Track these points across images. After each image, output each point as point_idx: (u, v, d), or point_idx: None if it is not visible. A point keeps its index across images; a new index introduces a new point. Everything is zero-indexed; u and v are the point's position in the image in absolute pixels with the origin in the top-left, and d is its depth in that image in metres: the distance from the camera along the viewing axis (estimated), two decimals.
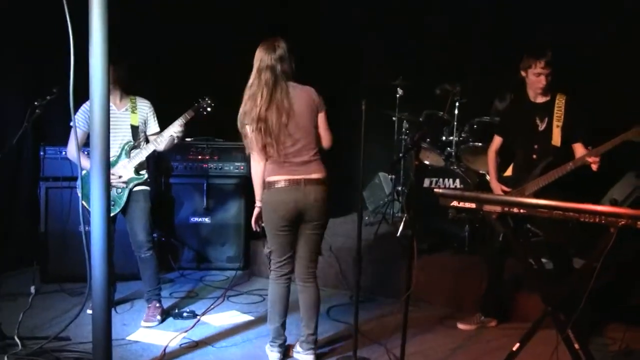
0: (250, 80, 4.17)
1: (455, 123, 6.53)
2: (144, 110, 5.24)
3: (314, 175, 4.17)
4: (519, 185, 4.80)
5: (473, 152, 6.43)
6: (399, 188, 7.28)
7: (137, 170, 5.13)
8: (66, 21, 2.76)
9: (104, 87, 2.77)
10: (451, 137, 6.55)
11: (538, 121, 4.80)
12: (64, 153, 5.95)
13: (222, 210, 6.66)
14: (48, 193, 6.04)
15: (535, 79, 4.70)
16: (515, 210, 3.74)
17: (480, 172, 6.41)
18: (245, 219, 6.53)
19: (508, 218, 3.91)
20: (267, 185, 4.22)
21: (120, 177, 5.06)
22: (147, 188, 5.22)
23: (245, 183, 6.55)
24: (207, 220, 6.65)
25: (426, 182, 6.45)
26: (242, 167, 6.57)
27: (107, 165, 2.81)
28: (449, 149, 6.58)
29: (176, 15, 6.96)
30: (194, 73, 6.92)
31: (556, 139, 4.75)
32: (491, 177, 5.12)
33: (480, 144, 6.29)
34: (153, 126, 5.27)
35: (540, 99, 4.81)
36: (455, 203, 3.95)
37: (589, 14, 6.23)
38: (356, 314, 4.46)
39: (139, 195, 5.15)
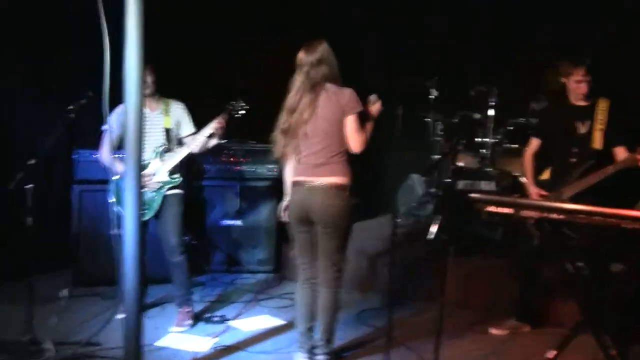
0: (292, 83, 4.22)
1: (490, 125, 6.41)
2: (177, 112, 5.22)
3: (325, 179, 4.12)
4: (557, 189, 4.70)
5: (508, 154, 6.32)
6: (432, 190, 7.18)
7: (171, 173, 5.11)
8: (101, 22, 2.69)
9: (138, 90, 2.69)
10: (486, 139, 6.43)
11: (579, 124, 4.71)
12: (97, 156, 5.98)
13: (254, 212, 6.63)
14: (81, 196, 6.06)
15: (576, 86, 4.66)
16: (554, 215, 3.64)
17: (515, 174, 6.30)
18: (277, 222, 6.50)
19: (545, 222, 3.82)
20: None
21: (153, 175, 5.02)
22: (181, 192, 5.18)
23: (277, 185, 6.46)
24: (238, 222, 6.61)
25: (460, 184, 6.36)
26: (274, 170, 6.51)
27: (140, 169, 2.76)
28: (483, 150, 6.46)
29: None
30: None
31: (597, 142, 4.66)
32: (528, 180, 5.01)
33: (515, 145, 6.19)
34: (187, 127, 5.24)
35: (582, 102, 4.72)
36: (492, 208, 3.86)
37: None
38: (390, 318, 4.36)
39: (173, 199, 5.11)
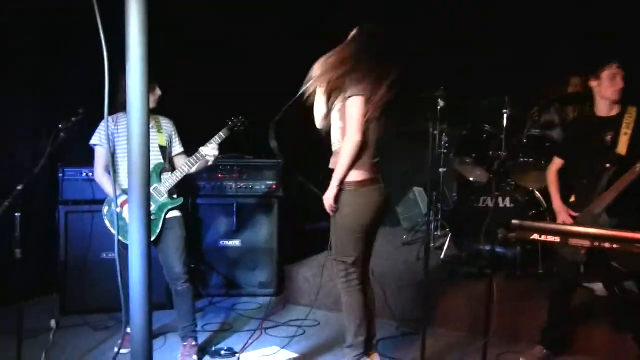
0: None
1: (502, 137, 6.07)
2: (169, 129, 4.84)
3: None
4: (586, 207, 4.35)
5: (522, 169, 5.99)
6: (439, 205, 6.85)
7: (171, 194, 4.70)
8: (99, 29, 2.31)
9: (143, 105, 2.32)
10: (499, 152, 6.08)
11: (608, 137, 4.36)
12: (84, 174, 5.56)
13: (253, 232, 6.18)
14: (68, 218, 5.59)
15: (610, 82, 4.27)
16: (607, 245, 3.31)
17: (530, 189, 5.99)
18: (279, 242, 6.10)
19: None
20: (358, 185, 3.95)
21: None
22: (181, 214, 4.77)
23: (277, 203, 6.12)
24: (237, 243, 6.16)
25: (474, 202, 6.02)
26: (274, 186, 6.11)
27: (147, 183, 2.37)
28: (496, 164, 6.12)
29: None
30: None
31: (622, 147, 4.28)
32: (555, 201, 4.60)
33: (530, 159, 5.85)
34: (177, 146, 4.89)
35: (612, 112, 4.37)
36: (536, 236, 3.53)
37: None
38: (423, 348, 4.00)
39: (174, 223, 4.68)
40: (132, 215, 2.33)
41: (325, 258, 4.91)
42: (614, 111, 4.38)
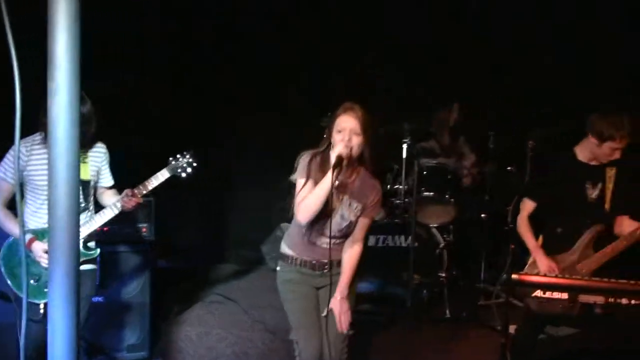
0: None
1: (396, 167, 5.63)
2: (99, 158, 3.74)
3: None
4: (568, 264, 3.90)
5: (421, 203, 5.56)
6: None
7: (86, 242, 3.71)
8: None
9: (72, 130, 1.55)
10: (397, 186, 5.61)
11: (589, 187, 3.99)
12: None
13: (119, 285, 5.13)
14: None
15: (609, 152, 3.89)
16: (625, 301, 2.91)
17: (430, 225, 5.58)
18: (151, 294, 5.15)
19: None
20: None
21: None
22: (95, 267, 3.87)
23: (149, 249, 5.18)
24: (99, 299, 5.10)
25: (371, 240, 5.46)
26: (144, 229, 5.15)
27: (77, 223, 1.64)
28: (394, 199, 5.64)
29: None
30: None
31: (607, 202, 3.98)
32: (534, 249, 4.02)
33: (431, 193, 5.45)
34: (107, 178, 3.84)
35: (593, 161, 4.01)
36: (539, 293, 3.07)
37: None
38: None
39: (87, 278, 3.68)
40: (53, 266, 1.63)
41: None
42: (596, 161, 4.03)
